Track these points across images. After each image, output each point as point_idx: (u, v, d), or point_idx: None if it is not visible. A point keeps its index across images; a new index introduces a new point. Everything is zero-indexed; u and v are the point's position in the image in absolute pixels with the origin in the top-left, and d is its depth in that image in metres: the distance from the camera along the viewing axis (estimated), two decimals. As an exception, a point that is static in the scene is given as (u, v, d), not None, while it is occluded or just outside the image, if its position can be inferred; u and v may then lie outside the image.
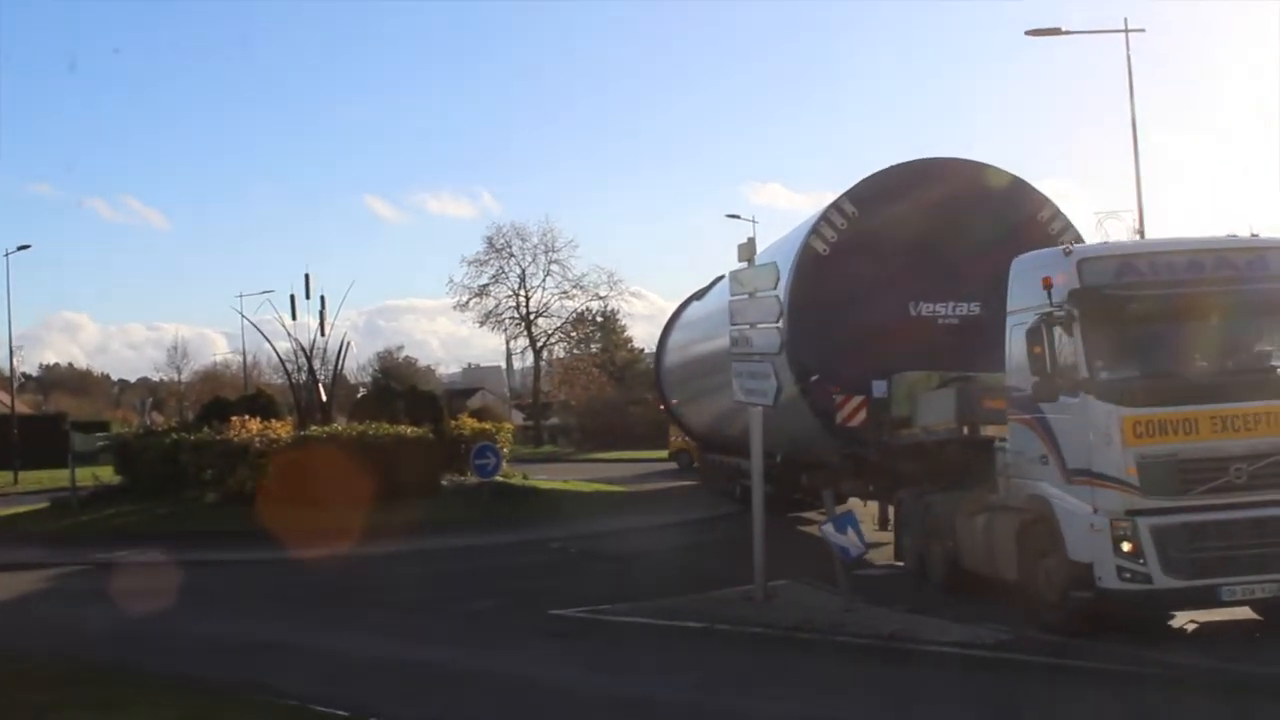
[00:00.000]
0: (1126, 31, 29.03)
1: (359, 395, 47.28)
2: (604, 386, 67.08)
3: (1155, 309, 12.46)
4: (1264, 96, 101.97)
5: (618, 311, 73.84)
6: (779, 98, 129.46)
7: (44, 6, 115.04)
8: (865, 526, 18.18)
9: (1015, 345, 13.61)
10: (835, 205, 19.80)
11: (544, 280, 69.29)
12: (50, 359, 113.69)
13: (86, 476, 33.84)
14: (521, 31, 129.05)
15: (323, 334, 37.01)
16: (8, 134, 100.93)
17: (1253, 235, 13.39)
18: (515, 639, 14.77)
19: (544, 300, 69.76)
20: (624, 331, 77.18)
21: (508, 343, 74.19)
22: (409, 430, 29.64)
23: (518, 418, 69.97)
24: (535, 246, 68.83)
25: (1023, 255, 14.32)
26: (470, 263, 68.59)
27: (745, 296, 16.11)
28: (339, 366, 39.37)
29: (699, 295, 32.16)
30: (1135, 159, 30.42)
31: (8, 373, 66.17)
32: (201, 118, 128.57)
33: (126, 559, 24.09)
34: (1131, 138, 30.19)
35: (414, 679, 12.75)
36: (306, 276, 37.30)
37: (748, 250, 16.50)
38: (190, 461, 30.45)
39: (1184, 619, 12.88)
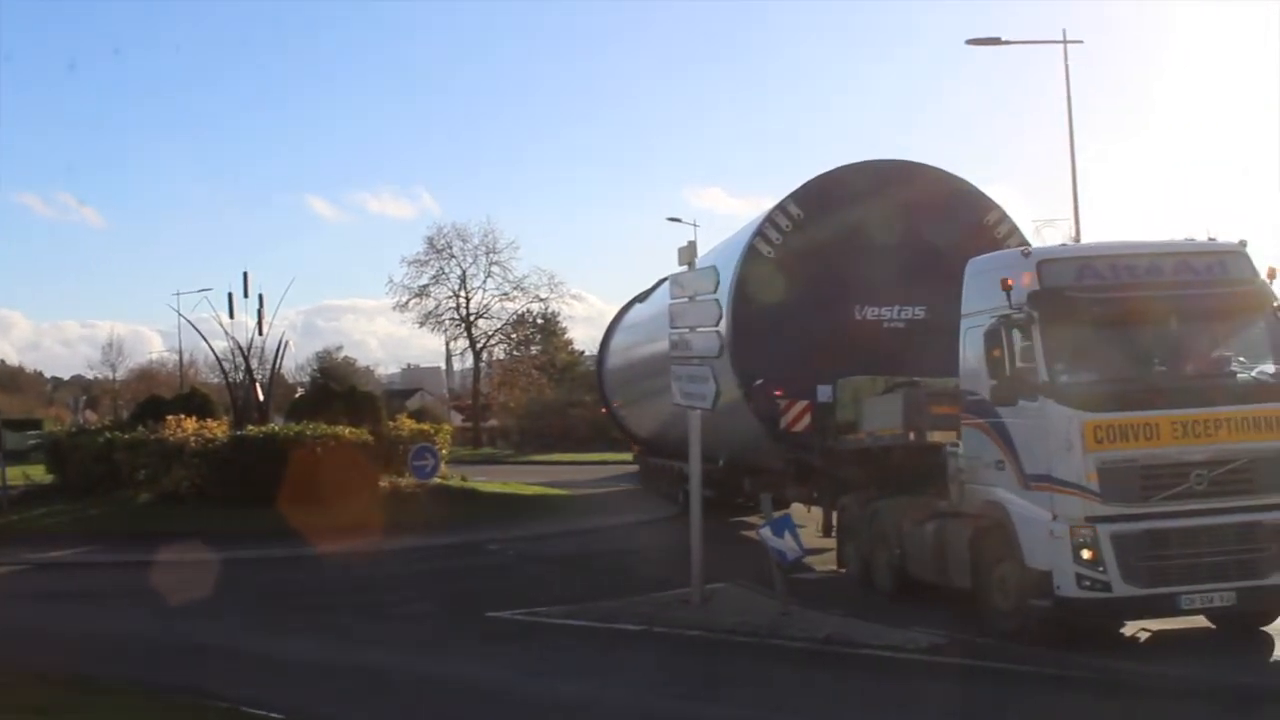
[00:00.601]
0: (1065, 43, 29.46)
1: (297, 395, 46.69)
2: (544, 389, 66.86)
3: (1116, 312, 12.25)
4: (1200, 105, 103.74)
5: (558, 314, 73.66)
6: (719, 101, 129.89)
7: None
8: (809, 533, 18.29)
9: (970, 348, 13.42)
10: (780, 207, 19.56)
11: (484, 281, 68.77)
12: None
13: (17, 475, 33.31)
14: (462, 33, 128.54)
15: (260, 333, 36.64)
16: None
17: (1210, 239, 13.23)
18: (452, 642, 14.70)
19: (484, 301, 69.27)
20: (564, 334, 76.97)
21: (447, 344, 73.67)
22: (347, 431, 29.35)
23: (456, 419, 69.52)
24: (476, 247, 68.34)
25: (979, 257, 14.12)
26: (410, 263, 68.00)
27: (685, 300, 16.05)
28: (277, 366, 39.04)
29: (642, 297, 31.96)
30: (1072, 167, 30.73)
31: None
32: (137, 114, 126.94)
33: (59, 560, 23.78)
34: (1069, 146, 30.60)
35: (350, 682, 12.62)
36: (245, 275, 36.96)
37: (688, 253, 16.46)
38: (124, 461, 29.99)
39: (1134, 628, 12.72)
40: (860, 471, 17.10)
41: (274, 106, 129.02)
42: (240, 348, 36.66)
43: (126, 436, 31.00)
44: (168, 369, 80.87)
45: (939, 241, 18.51)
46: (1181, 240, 13.34)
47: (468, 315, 68.80)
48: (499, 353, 74.34)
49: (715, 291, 15.53)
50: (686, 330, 16.07)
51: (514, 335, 73.72)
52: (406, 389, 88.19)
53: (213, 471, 28.40)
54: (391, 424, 32.56)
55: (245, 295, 36.54)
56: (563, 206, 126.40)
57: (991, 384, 12.54)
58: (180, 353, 70.96)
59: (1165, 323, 12.48)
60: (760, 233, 19.47)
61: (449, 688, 12.27)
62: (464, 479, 33.65)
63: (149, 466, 29.46)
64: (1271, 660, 12.11)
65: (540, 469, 44.25)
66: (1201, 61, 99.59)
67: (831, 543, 18.16)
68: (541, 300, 70.41)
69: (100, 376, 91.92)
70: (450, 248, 68.19)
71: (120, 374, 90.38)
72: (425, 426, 34.04)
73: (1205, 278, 12.47)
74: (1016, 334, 12.25)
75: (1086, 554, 11.49)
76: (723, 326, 17.61)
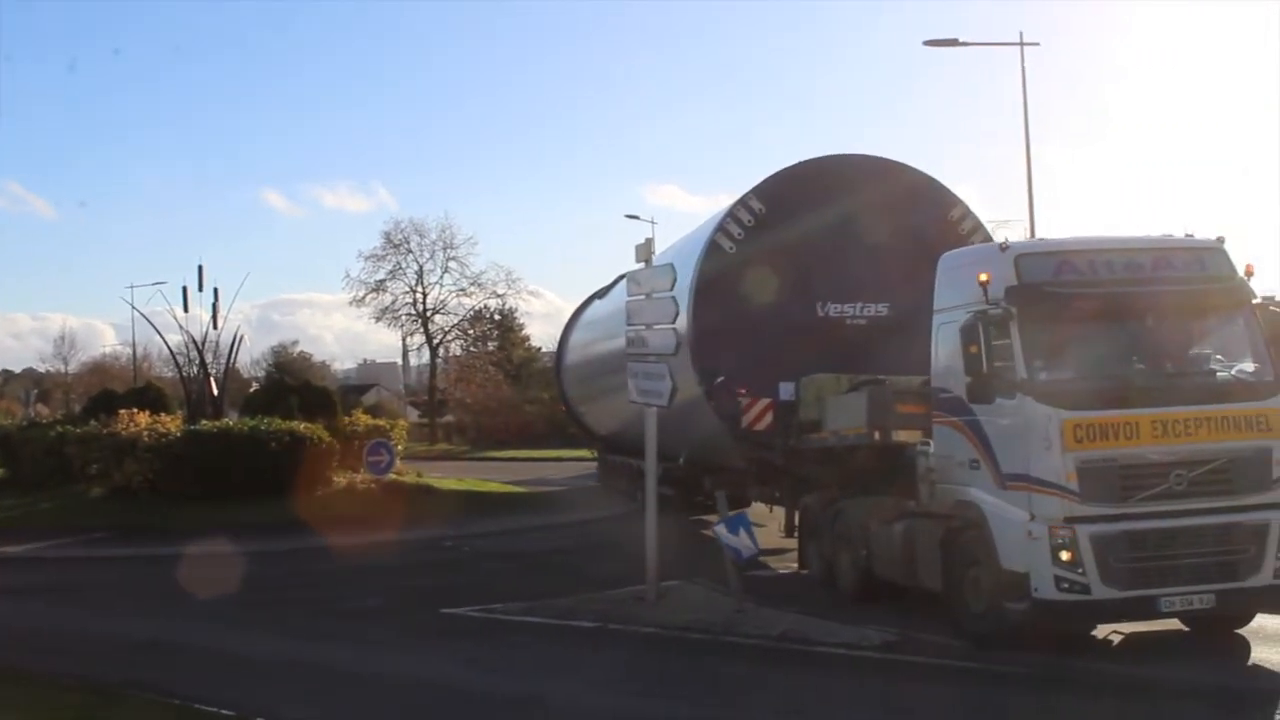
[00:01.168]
0: (1021, 45, 29.60)
1: (251, 390, 46.44)
2: (500, 385, 66.70)
3: (1095, 308, 11.97)
4: (1162, 106, 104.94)
5: (515, 310, 73.61)
6: (678, 99, 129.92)
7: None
8: (770, 533, 18.73)
9: (943, 345, 13.16)
10: (742, 202, 19.11)
11: (442, 277, 68.62)
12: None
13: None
14: (419, 28, 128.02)
15: (215, 327, 36.36)
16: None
17: (1187, 235, 12.97)
18: (407, 638, 14.59)
19: (441, 297, 69.10)
20: (521, 330, 76.85)
21: (404, 339, 73.38)
22: (302, 426, 29.20)
23: (412, 415, 69.30)
24: (433, 243, 68.12)
25: (952, 251, 13.85)
26: (367, 258, 67.79)
27: (642, 297, 16.04)
28: (232, 360, 38.74)
29: (601, 294, 31.68)
30: (1028, 168, 31.02)
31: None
32: (89, 104, 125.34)
33: (7, 555, 23.50)
34: (1025, 148, 30.82)
35: (303, 678, 12.58)
36: (200, 268, 36.73)
37: (645, 251, 16.38)
38: (75, 455, 29.76)
39: (1106, 630, 12.52)
40: (823, 471, 16.76)
41: (229, 99, 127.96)
42: (195, 342, 36.31)
43: (78, 430, 30.75)
44: (121, 363, 79.97)
45: (902, 237, 18.32)
46: (1159, 236, 13.11)
47: (425, 311, 68.66)
48: (456, 349, 74.25)
49: (672, 289, 15.46)
50: (643, 327, 16.05)
51: (471, 331, 73.59)
52: (362, 384, 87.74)
53: (166, 466, 28.16)
54: (347, 419, 32.41)
55: (200, 289, 36.34)
56: (521, 203, 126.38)
57: (967, 381, 12.20)
58: (134, 346, 70.16)
59: (1144, 319, 12.27)
60: (721, 228, 19.08)
61: (403, 684, 12.14)
62: (420, 475, 33.41)
63: (101, 461, 29.20)
64: (1248, 662, 11.93)
65: (497, 465, 44.03)
66: (1162, 62, 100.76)
67: (793, 543, 17.97)
68: (499, 296, 70.43)
69: (52, 370, 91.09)
70: (407, 243, 68.07)
71: (72, 367, 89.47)
72: (381, 422, 33.93)
73: (1183, 274, 12.26)
74: (993, 330, 11.91)
75: (1065, 555, 11.20)
76: (682, 323, 17.58)
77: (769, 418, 18.14)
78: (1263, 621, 12.57)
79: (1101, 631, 12.54)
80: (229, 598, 17.62)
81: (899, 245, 18.23)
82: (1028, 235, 28.85)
